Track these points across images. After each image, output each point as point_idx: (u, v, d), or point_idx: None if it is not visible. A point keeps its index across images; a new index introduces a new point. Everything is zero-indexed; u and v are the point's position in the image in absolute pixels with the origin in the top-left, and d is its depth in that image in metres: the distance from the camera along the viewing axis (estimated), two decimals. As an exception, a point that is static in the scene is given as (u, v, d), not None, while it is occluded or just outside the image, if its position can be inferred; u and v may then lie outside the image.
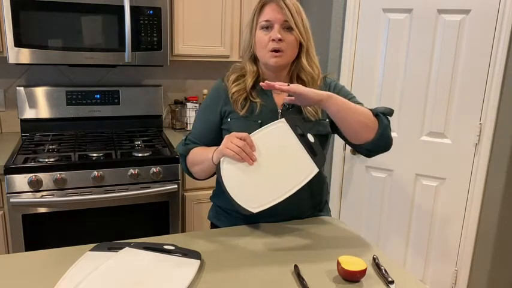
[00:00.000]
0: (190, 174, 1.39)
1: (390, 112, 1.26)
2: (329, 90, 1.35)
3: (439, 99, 2.23)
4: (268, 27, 1.26)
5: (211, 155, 1.23)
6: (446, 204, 2.32)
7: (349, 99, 1.25)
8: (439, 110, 2.24)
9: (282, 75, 1.35)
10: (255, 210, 1.13)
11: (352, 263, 1.06)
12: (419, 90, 2.26)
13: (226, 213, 1.42)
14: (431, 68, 2.21)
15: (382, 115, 1.24)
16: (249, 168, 1.16)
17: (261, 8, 1.28)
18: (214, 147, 1.24)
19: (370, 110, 1.24)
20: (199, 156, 1.31)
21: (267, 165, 1.17)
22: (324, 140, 1.34)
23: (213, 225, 1.48)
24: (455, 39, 2.14)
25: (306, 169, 1.17)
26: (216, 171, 1.18)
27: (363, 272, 1.05)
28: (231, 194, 1.15)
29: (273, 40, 1.24)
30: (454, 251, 2.35)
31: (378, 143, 1.24)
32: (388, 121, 1.26)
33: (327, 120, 1.34)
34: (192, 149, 1.35)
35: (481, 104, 2.15)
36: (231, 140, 1.16)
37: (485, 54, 2.10)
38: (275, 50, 1.25)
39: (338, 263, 1.07)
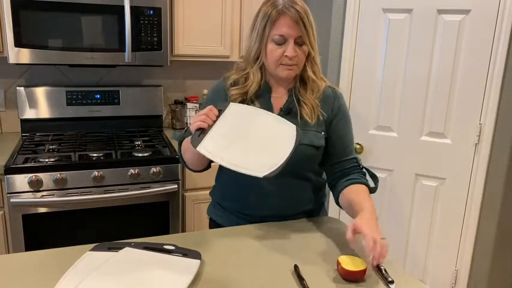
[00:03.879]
0: (185, 164, 1.39)
1: (377, 185, 1.36)
2: (333, 106, 1.34)
3: (439, 99, 2.23)
4: (282, 42, 1.23)
5: None
6: (446, 204, 2.32)
7: (346, 134, 1.35)
8: (439, 110, 2.24)
9: (286, 80, 1.34)
10: (266, 173, 1.12)
11: (352, 263, 1.06)
12: (419, 90, 2.26)
13: (224, 208, 1.43)
14: (431, 68, 2.21)
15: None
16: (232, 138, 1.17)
17: (274, 20, 1.22)
18: None
19: (367, 186, 1.33)
20: (187, 142, 1.31)
21: (250, 135, 1.19)
22: (315, 150, 1.32)
23: (212, 220, 1.49)
24: (455, 39, 2.14)
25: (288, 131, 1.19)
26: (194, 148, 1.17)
27: (362, 272, 1.05)
28: (234, 167, 1.13)
29: (286, 56, 1.23)
30: (454, 251, 2.35)
31: None
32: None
33: (322, 133, 1.33)
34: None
35: (481, 104, 2.15)
36: (198, 114, 1.18)
37: (485, 54, 2.10)
38: (287, 64, 1.25)
39: (338, 263, 1.07)
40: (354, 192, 1.29)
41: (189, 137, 1.28)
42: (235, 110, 1.22)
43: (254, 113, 1.23)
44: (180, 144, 1.39)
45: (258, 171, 1.11)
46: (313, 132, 1.30)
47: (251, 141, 1.18)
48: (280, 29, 1.22)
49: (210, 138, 1.16)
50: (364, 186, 1.32)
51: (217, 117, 1.19)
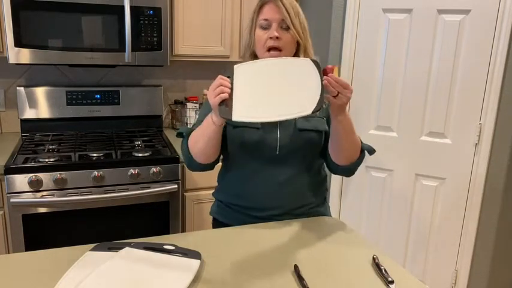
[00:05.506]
0: (189, 159, 1.35)
1: (372, 151, 1.38)
2: None
3: (439, 99, 2.23)
4: (266, 26, 1.30)
5: (209, 119, 1.22)
6: (446, 204, 2.32)
7: None
8: (439, 110, 2.24)
9: None
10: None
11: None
12: (419, 90, 2.26)
13: (229, 207, 1.44)
14: (431, 68, 2.22)
15: (366, 152, 1.37)
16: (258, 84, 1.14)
17: (260, 8, 1.32)
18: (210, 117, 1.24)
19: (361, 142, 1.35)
20: (199, 129, 1.30)
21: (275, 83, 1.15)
22: (319, 136, 1.37)
23: (215, 220, 1.50)
24: (455, 39, 2.14)
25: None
26: (222, 113, 1.13)
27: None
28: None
29: (271, 38, 1.29)
30: (454, 251, 2.35)
31: (346, 172, 1.40)
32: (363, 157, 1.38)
33: (324, 119, 1.38)
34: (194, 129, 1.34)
35: (481, 104, 2.15)
36: (212, 89, 1.16)
37: (485, 54, 2.10)
38: (273, 48, 1.29)
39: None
40: None
41: (199, 127, 1.28)
42: (242, 70, 1.19)
43: (261, 65, 1.20)
44: (187, 137, 1.35)
45: (304, 110, 1.08)
46: (316, 118, 1.36)
47: (277, 88, 1.14)
48: (264, 13, 1.31)
49: (237, 104, 1.10)
50: None
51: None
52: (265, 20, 1.30)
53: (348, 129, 1.24)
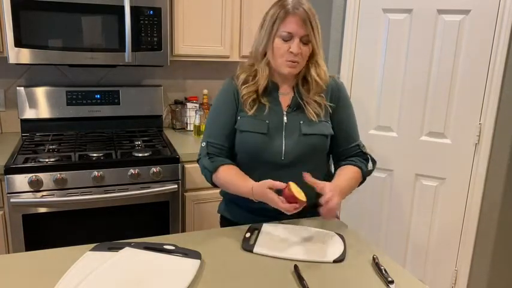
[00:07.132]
0: (211, 183, 1.43)
1: (374, 167, 1.47)
2: (334, 97, 1.41)
3: (439, 99, 2.23)
4: (288, 39, 1.29)
5: (250, 192, 1.29)
6: (446, 204, 2.32)
7: (347, 121, 1.42)
8: (439, 110, 2.24)
9: (290, 78, 1.39)
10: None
11: (298, 192, 1.18)
12: (419, 90, 2.26)
13: (237, 206, 1.44)
14: (431, 68, 2.21)
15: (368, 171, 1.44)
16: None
17: (283, 18, 1.28)
18: (250, 183, 1.30)
19: (360, 168, 1.41)
20: (235, 184, 1.35)
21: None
22: (324, 139, 1.39)
23: (223, 218, 1.51)
24: (455, 39, 2.14)
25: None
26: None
27: (298, 201, 1.18)
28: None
29: (291, 52, 1.28)
30: (454, 251, 2.35)
31: None
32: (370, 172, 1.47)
33: (329, 123, 1.39)
34: (219, 165, 1.37)
35: (481, 104, 2.15)
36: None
37: (485, 54, 2.10)
38: (291, 61, 1.30)
39: (288, 185, 1.19)
40: (342, 171, 1.40)
41: (228, 172, 1.36)
42: (271, 224, 1.34)
43: (287, 226, 1.33)
44: (211, 173, 1.39)
45: (323, 258, 1.16)
46: (321, 122, 1.37)
47: (299, 240, 1.26)
48: (289, 26, 1.28)
49: (261, 241, 1.24)
50: (355, 168, 1.40)
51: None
52: (289, 33, 1.28)
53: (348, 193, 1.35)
